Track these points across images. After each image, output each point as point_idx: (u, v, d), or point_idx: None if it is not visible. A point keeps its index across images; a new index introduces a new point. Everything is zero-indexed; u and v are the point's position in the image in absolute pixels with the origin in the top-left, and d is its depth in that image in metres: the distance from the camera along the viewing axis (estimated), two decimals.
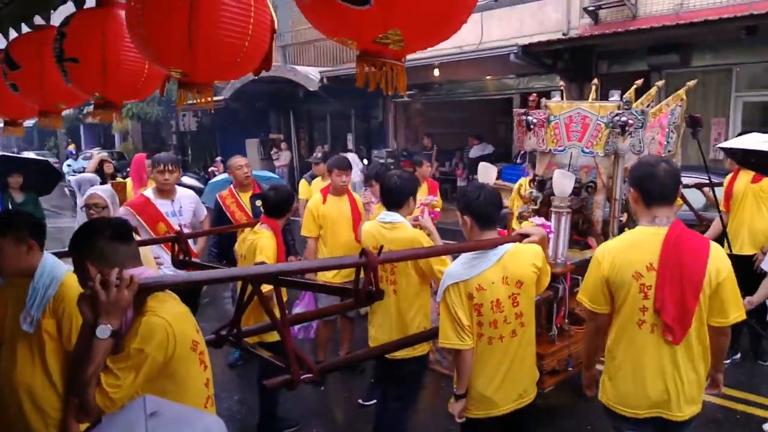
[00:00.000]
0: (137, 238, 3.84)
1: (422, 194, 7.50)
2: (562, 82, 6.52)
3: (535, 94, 5.68)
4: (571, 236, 5.09)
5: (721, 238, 6.35)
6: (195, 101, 2.87)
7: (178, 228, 5.27)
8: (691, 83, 5.34)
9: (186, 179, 17.35)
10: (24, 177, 8.00)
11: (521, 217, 5.35)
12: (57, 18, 3.55)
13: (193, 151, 26.93)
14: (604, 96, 5.74)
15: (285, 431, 5.21)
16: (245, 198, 6.46)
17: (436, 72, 15.61)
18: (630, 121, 4.76)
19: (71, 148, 31.81)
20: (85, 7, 3.43)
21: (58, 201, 21.20)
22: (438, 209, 6.39)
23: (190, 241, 5.16)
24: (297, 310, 5.68)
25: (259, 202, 5.61)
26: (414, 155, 13.73)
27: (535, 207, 5.32)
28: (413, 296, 4.23)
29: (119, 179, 9.93)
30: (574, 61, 13.18)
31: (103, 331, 2.14)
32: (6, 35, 4.13)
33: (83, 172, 18.24)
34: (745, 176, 6.11)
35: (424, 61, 13.63)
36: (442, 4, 2.20)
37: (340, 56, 19.31)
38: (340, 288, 3.32)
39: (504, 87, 16.21)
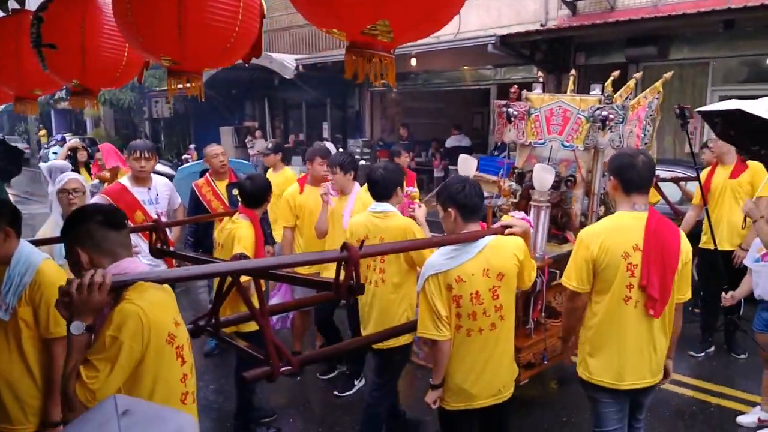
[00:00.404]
0: None
1: None
2: (540, 74, 6.49)
3: (516, 86, 5.64)
4: (550, 230, 5.07)
5: (697, 232, 6.41)
6: (184, 88, 2.81)
7: (155, 216, 5.24)
8: (668, 75, 5.34)
9: (159, 166, 17.14)
10: None
11: (501, 210, 5.32)
12: (33, 2, 3.47)
13: (166, 138, 26.68)
14: (581, 87, 5.73)
15: (262, 421, 5.18)
16: (221, 187, 6.40)
17: (414, 62, 15.57)
18: (611, 116, 4.74)
19: (66, 135, 31.17)
20: None
21: (28, 187, 20.93)
22: (417, 200, 6.34)
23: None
24: (274, 300, 5.64)
25: (235, 191, 5.55)
26: (390, 145, 13.70)
27: (515, 200, 5.30)
28: (400, 284, 4.29)
29: (105, 172, 9.79)
30: (552, 53, 13.19)
31: (77, 327, 2.16)
32: None
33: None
34: (723, 171, 6.14)
35: (402, 50, 13.39)
36: None
37: (316, 44, 19.16)
38: (321, 282, 3.28)
39: (481, 78, 16.19)
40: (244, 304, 3.06)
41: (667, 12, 10.81)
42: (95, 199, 5.33)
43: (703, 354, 6.37)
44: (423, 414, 4.94)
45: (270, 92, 21.64)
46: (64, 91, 4.72)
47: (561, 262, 4.88)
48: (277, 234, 6.19)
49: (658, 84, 5.32)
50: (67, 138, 25.61)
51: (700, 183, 5.91)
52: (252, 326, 4.03)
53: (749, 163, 5.61)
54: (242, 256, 4.10)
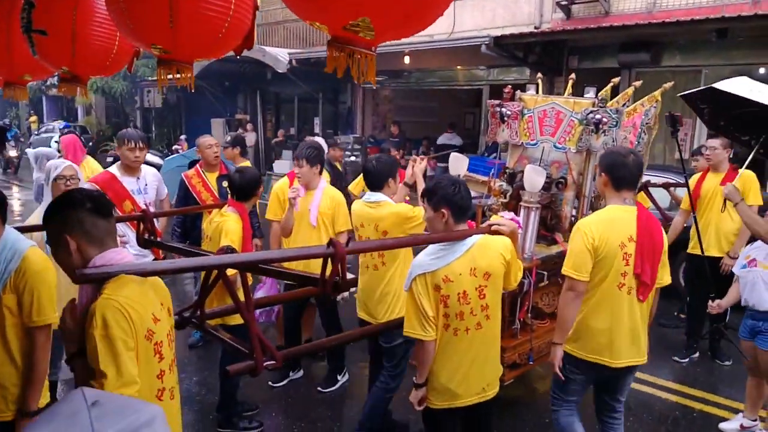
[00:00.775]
0: None
1: None
2: (539, 75, 6.49)
3: (510, 86, 5.63)
4: (539, 231, 5.07)
5: (684, 238, 6.44)
6: (174, 79, 2.78)
7: (143, 206, 5.23)
8: (667, 85, 5.35)
9: (149, 156, 17.10)
10: None
11: (490, 210, 5.32)
12: None
13: (157, 129, 26.56)
14: (575, 92, 5.73)
15: (244, 414, 5.16)
16: (212, 178, 6.38)
17: (407, 59, 15.55)
18: (604, 119, 4.74)
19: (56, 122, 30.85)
20: None
21: (18, 173, 20.85)
22: (406, 197, 6.33)
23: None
24: (259, 293, 5.61)
25: (225, 183, 5.52)
26: (381, 142, 13.68)
27: (505, 200, 5.29)
28: (402, 268, 4.43)
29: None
30: (545, 55, 13.22)
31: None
32: None
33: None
34: (715, 178, 6.15)
35: (395, 47, 13.53)
36: None
37: (309, 38, 19.10)
38: (307, 277, 3.26)
39: (474, 78, 16.20)
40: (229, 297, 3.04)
41: (660, 19, 10.88)
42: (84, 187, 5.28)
43: (687, 360, 6.40)
44: (407, 412, 4.93)
45: (262, 85, 21.56)
46: (55, 77, 4.69)
47: (549, 263, 4.90)
48: None
49: (657, 93, 5.32)
50: (55, 125, 25.49)
51: (688, 189, 5.94)
52: (238, 319, 4.02)
53: (741, 171, 5.63)
54: (229, 250, 4.08)
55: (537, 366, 5.13)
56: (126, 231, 5.28)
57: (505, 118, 5.40)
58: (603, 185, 3.80)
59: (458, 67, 16.18)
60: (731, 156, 6.19)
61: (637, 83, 5.38)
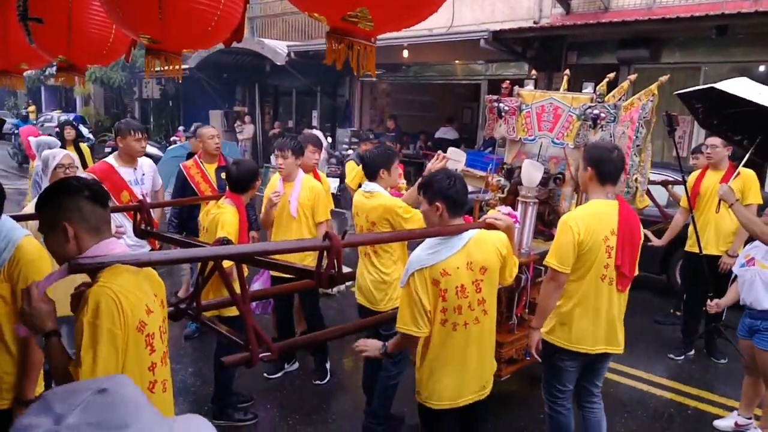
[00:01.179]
0: None
1: None
2: (534, 72, 6.47)
3: (508, 81, 5.61)
4: (536, 227, 5.06)
5: (683, 236, 6.43)
6: (162, 69, 2.76)
7: (140, 196, 5.25)
8: (663, 79, 5.32)
9: (148, 148, 17.07)
10: None
11: (488, 205, 5.31)
12: None
13: (155, 120, 26.50)
14: (571, 87, 5.71)
15: (239, 405, 5.16)
16: (210, 170, 6.36)
17: (405, 53, 15.50)
18: (602, 115, 4.73)
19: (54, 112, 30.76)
20: None
21: (15, 162, 20.83)
22: (403, 191, 6.32)
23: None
24: (256, 285, 5.59)
25: (224, 175, 5.51)
26: (379, 136, 13.66)
27: (502, 195, 5.28)
28: (395, 257, 4.56)
29: (83, 146, 9.70)
30: (544, 50, 13.16)
31: (38, 340, 2.27)
32: None
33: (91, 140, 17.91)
34: (714, 176, 6.12)
35: (393, 41, 13.50)
36: None
37: (308, 31, 19.07)
38: (302, 270, 3.25)
39: (472, 72, 16.16)
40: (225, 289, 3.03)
41: (660, 15, 10.85)
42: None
43: (682, 357, 6.40)
44: (402, 405, 4.93)
45: (261, 78, 21.51)
46: (54, 67, 4.69)
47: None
48: None
49: (653, 87, 5.29)
50: (54, 114, 25.39)
51: (686, 188, 5.93)
52: (233, 311, 4.01)
53: (741, 170, 5.62)
54: (226, 241, 4.07)
55: (533, 362, 5.12)
56: (123, 221, 5.27)
57: (503, 114, 5.39)
58: (588, 179, 3.90)
59: (457, 61, 16.14)
60: (731, 154, 6.16)
61: (632, 77, 5.35)
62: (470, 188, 4.30)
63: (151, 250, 5.52)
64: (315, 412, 5.23)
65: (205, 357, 5.90)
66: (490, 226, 3.41)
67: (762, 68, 11.24)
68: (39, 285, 2.19)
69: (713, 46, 11.13)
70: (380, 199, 4.48)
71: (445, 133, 16.82)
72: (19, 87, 4.02)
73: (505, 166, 5.48)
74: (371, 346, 3.54)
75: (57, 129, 8.88)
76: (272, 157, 5.88)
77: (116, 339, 2.18)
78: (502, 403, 5.16)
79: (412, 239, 3.72)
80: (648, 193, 6.12)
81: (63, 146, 7.93)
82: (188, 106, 24.80)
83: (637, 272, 3.98)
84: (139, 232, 4.13)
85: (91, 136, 20.08)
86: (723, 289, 5.07)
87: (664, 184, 6.89)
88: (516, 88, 5.48)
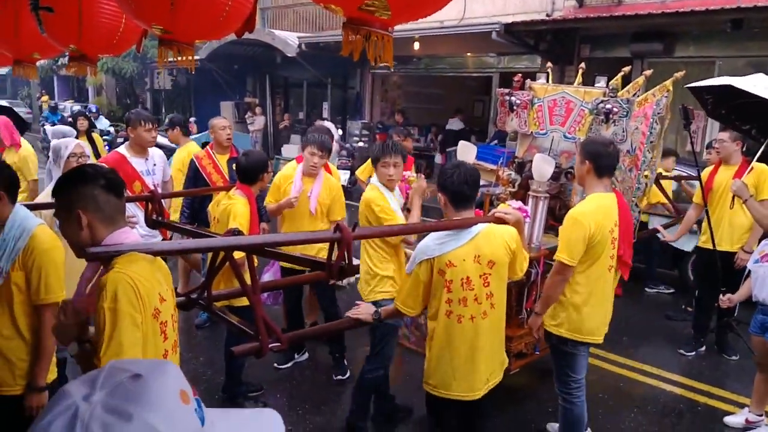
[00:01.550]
0: None
1: None
2: (549, 64, 6.42)
3: (520, 75, 5.59)
4: (547, 221, 5.04)
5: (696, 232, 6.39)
6: (175, 60, 2.76)
7: (152, 187, 5.28)
8: (679, 74, 5.28)
9: (159, 138, 17.08)
10: None
11: (498, 199, 5.29)
12: None
13: (167, 110, 26.53)
14: (584, 80, 5.68)
15: (249, 395, 5.20)
16: (222, 160, 6.38)
17: (417, 45, 15.46)
18: (615, 109, 4.70)
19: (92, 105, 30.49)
20: None
21: None
22: (413, 184, 6.30)
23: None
24: (266, 276, 5.61)
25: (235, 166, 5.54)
26: (389, 128, 13.66)
27: (513, 190, 5.27)
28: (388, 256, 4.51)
29: (95, 135, 9.72)
30: (556, 43, 13.08)
31: (71, 348, 2.26)
32: None
33: (108, 134, 17.80)
34: (727, 171, 6.03)
35: (405, 33, 13.45)
36: None
37: (319, 23, 19.04)
38: (313, 261, 3.26)
39: (484, 65, 16.10)
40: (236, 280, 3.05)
41: (674, 8, 10.72)
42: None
43: (693, 353, 6.37)
44: (411, 397, 4.94)
45: (271, 69, 21.49)
46: (66, 57, 4.72)
47: None
48: None
49: (668, 83, 5.25)
50: (66, 105, 25.44)
51: (701, 182, 5.87)
52: (244, 301, 4.03)
53: (754, 164, 5.57)
54: (236, 232, 4.09)
55: (542, 356, 5.12)
56: (135, 211, 5.30)
57: (515, 107, 5.37)
58: (585, 173, 3.98)
59: (468, 54, 16.08)
60: (743, 149, 6.11)
61: (648, 72, 5.31)
62: (481, 182, 4.29)
63: (162, 240, 5.55)
64: (324, 403, 5.24)
65: (217, 346, 5.92)
66: (499, 221, 3.42)
67: None
68: (74, 301, 2.27)
69: (728, 40, 11.03)
70: (367, 192, 4.58)
71: (451, 124, 16.80)
72: (32, 76, 4.04)
73: (516, 160, 5.47)
74: (364, 310, 3.60)
75: (70, 119, 8.89)
76: (283, 149, 5.89)
77: (137, 322, 2.19)
78: (511, 396, 5.16)
79: (420, 232, 3.73)
80: (660, 187, 6.10)
81: (76, 136, 7.97)
82: (199, 97, 24.81)
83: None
84: (150, 222, 4.16)
85: (111, 129, 19.49)
86: (735, 286, 5.03)
87: (677, 179, 6.85)
88: (528, 81, 5.46)
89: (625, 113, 4.73)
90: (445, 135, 16.74)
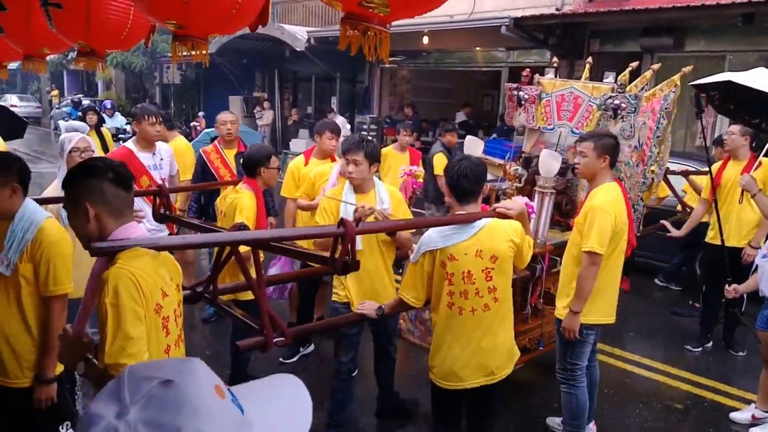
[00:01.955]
0: None
1: (404, 163, 7.45)
2: (555, 59, 6.41)
3: (528, 69, 5.58)
4: (553, 217, 5.03)
5: (703, 226, 6.36)
6: (189, 54, 2.77)
7: (159, 181, 5.29)
8: (686, 69, 5.25)
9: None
10: None
11: (504, 194, 5.29)
12: None
13: (176, 105, 26.60)
14: (593, 75, 5.66)
15: None
16: (230, 155, 6.39)
17: (426, 40, 15.42)
18: (623, 105, 4.69)
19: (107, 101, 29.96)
20: None
21: (38, 146, 21.06)
22: (420, 179, 6.32)
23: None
24: (273, 270, 5.61)
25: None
26: (397, 123, 13.64)
27: (519, 185, 5.26)
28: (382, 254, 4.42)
29: (104, 130, 9.76)
30: (565, 38, 13.02)
31: (78, 367, 2.30)
32: None
33: (124, 132, 17.68)
34: (736, 166, 5.99)
35: (414, 27, 13.43)
36: None
37: (328, 17, 19.01)
38: (317, 256, 3.26)
39: (493, 59, 16.03)
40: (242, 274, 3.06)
41: (685, 2, 10.62)
42: None
43: (700, 349, 6.35)
44: (417, 392, 4.95)
45: (280, 64, 21.48)
46: (75, 52, 4.73)
47: (562, 249, 4.85)
48: None
49: (676, 77, 5.22)
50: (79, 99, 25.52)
51: (711, 177, 5.83)
52: (250, 295, 4.03)
53: (763, 159, 5.54)
54: (242, 227, 4.09)
55: (546, 352, 5.12)
56: (143, 206, 5.30)
57: (523, 102, 5.36)
58: (602, 167, 4.09)
59: (477, 48, 16.01)
60: (753, 145, 6.06)
61: (656, 66, 5.28)
62: (488, 176, 4.28)
63: (169, 235, 5.56)
64: (329, 397, 5.24)
65: (222, 340, 5.94)
66: (502, 215, 3.42)
67: None
68: (73, 327, 2.31)
69: (739, 35, 10.91)
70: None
71: (458, 118, 16.78)
72: (42, 71, 4.08)
73: (523, 155, 5.46)
74: (368, 306, 3.67)
75: (80, 113, 8.92)
76: (291, 143, 5.89)
77: (140, 316, 2.21)
78: (515, 392, 5.15)
79: (424, 227, 3.74)
80: (667, 183, 6.07)
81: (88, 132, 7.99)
82: (208, 92, 24.86)
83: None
84: (158, 217, 4.18)
85: (128, 127, 18.30)
86: (742, 282, 5.00)
87: (685, 174, 6.82)
88: (536, 76, 5.45)
89: (633, 109, 4.71)
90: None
